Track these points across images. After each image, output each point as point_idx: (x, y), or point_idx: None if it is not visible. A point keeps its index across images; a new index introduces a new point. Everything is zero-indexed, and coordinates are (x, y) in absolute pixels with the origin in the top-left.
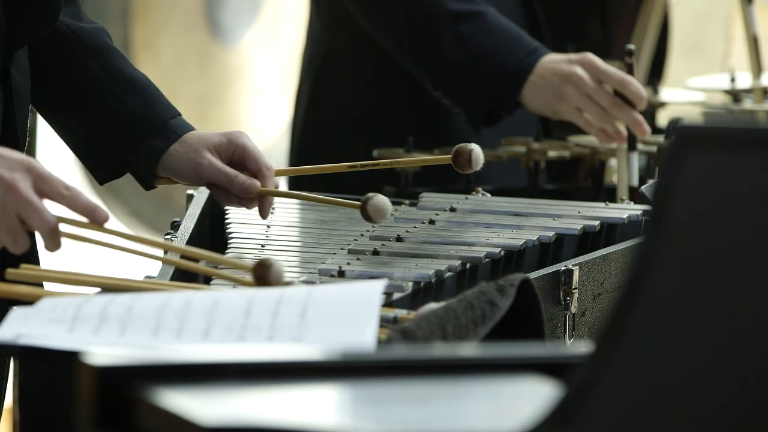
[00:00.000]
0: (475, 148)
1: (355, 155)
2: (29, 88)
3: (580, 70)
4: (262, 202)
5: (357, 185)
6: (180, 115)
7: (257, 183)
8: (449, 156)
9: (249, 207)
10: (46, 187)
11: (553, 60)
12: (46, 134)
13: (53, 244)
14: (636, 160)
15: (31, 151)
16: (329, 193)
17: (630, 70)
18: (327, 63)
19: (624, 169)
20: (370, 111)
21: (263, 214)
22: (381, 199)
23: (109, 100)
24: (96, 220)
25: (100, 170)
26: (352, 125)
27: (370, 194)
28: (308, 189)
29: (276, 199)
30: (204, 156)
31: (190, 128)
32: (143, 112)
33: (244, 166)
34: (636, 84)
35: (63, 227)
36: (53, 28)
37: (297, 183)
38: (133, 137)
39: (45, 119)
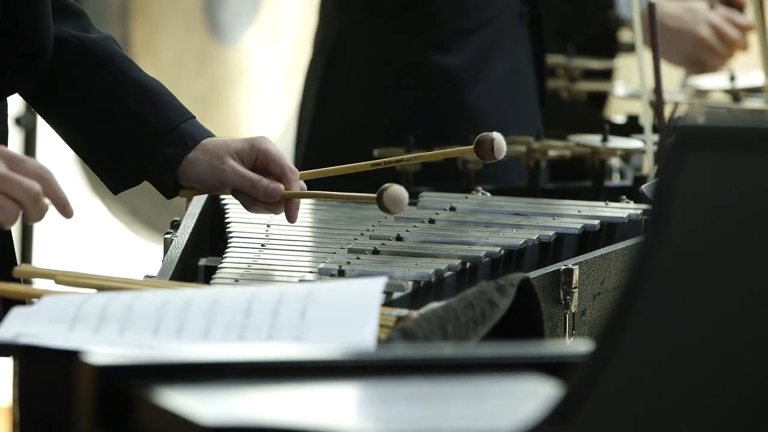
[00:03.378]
0: (497, 137)
1: (371, 140)
2: (5, 110)
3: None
4: (288, 205)
5: (361, 185)
6: (194, 118)
7: (280, 186)
8: (470, 147)
9: (276, 212)
10: (20, 167)
11: None
12: (46, 134)
13: (38, 214)
14: None
15: (30, 151)
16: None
17: None
18: (340, 44)
19: None
20: (386, 93)
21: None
22: (397, 189)
23: (118, 108)
24: (64, 214)
25: (112, 180)
26: (368, 108)
27: (386, 185)
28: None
29: None
30: (226, 162)
31: (208, 134)
32: (153, 119)
33: (267, 171)
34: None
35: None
36: (41, 79)
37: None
38: (144, 145)
39: (55, 130)
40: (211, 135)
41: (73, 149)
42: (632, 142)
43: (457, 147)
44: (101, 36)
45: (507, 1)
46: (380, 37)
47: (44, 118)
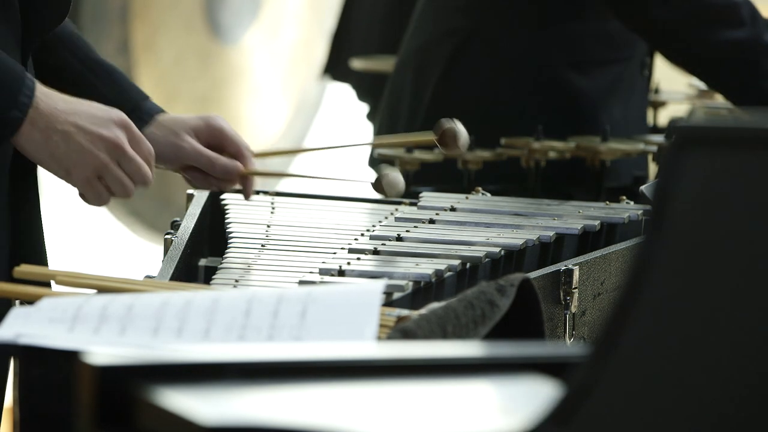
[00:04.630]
0: (459, 127)
1: (486, 138)
2: None
3: None
4: (244, 183)
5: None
6: (149, 98)
7: (239, 165)
8: (431, 137)
9: (226, 189)
10: (137, 148)
11: None
12: None
13: (146, 186)
14: None
15: None
16: None
17: None
18: (470, 40)
19: None
20: (506, 96)
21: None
22: (394, 176)
23: (83, 87)
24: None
25: None
26: (488, 107)
27: (385, 171)
28: None
29: (276, 199)
30: (184, 139)
31: (161, 110)
32: (115, 96)
33: (221, 149)
34: None
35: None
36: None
37: None
38: None
39: None
40: (163, 111)
41: None
42: (632, 143)
43: (419, 136)
44: None
45: (641, 46)
46: (519, 43)
47: None
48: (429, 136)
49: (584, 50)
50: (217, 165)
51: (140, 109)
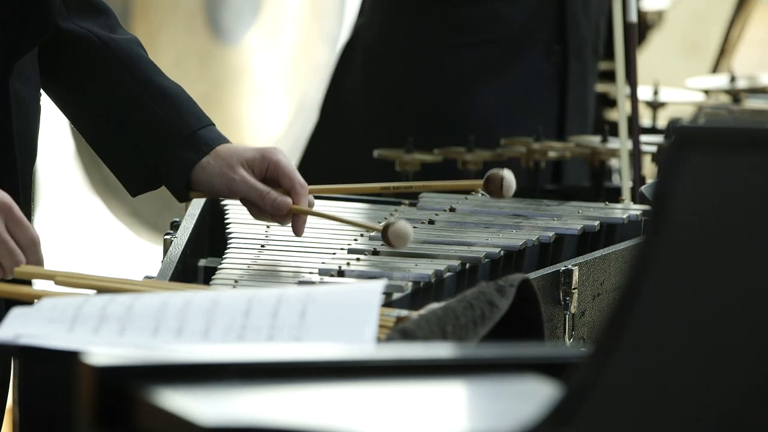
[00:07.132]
0: (507, 175)
1: (377, 129)
2: (36, 100)
3: None
4: (295, 219)
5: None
6: (212, 125)
7: (288, 200)
8: (480, 182)
9: (283, 223)
10: (18, 233)
11: None
12: (47, 133)
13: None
14: None
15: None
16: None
17: None
18: (359, 33)
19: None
20: (395, 85)
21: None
22: (402, 225)
23: (139, 110)
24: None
25: (132, 182)
26: (376, 99)
27: (391, 219)
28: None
29: None
30: (237, 171)
31: (224, 140)
32: (172, 122)
33: (277, 183)
34: None
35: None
36: (49, 36)
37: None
38: (161, 147)
39: (79, 132)
40: (226, 141)
41: (94, 149)
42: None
43: (466, 181)
44: (126, 38)
45: (528, 26)
46: (397, 31)
47: (68, 117)
48: (476, 183)
49: (458, 30)
50: (266, 200)
51: (198, 138)
